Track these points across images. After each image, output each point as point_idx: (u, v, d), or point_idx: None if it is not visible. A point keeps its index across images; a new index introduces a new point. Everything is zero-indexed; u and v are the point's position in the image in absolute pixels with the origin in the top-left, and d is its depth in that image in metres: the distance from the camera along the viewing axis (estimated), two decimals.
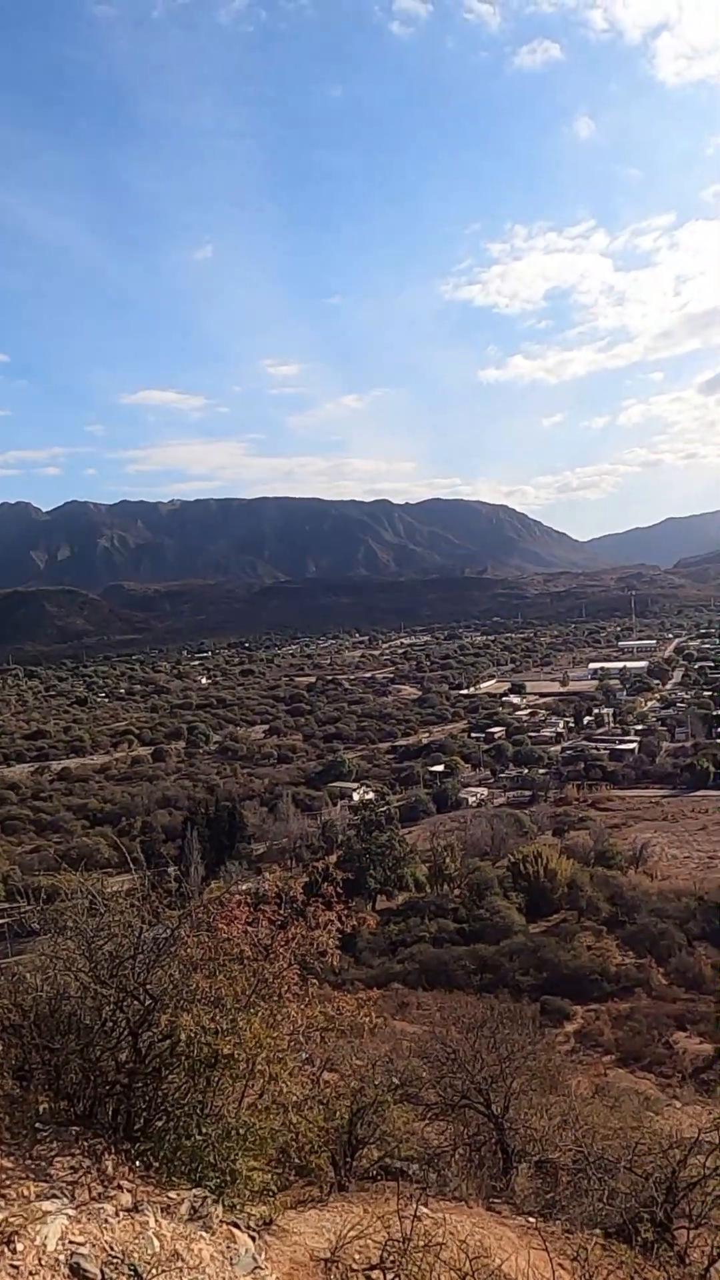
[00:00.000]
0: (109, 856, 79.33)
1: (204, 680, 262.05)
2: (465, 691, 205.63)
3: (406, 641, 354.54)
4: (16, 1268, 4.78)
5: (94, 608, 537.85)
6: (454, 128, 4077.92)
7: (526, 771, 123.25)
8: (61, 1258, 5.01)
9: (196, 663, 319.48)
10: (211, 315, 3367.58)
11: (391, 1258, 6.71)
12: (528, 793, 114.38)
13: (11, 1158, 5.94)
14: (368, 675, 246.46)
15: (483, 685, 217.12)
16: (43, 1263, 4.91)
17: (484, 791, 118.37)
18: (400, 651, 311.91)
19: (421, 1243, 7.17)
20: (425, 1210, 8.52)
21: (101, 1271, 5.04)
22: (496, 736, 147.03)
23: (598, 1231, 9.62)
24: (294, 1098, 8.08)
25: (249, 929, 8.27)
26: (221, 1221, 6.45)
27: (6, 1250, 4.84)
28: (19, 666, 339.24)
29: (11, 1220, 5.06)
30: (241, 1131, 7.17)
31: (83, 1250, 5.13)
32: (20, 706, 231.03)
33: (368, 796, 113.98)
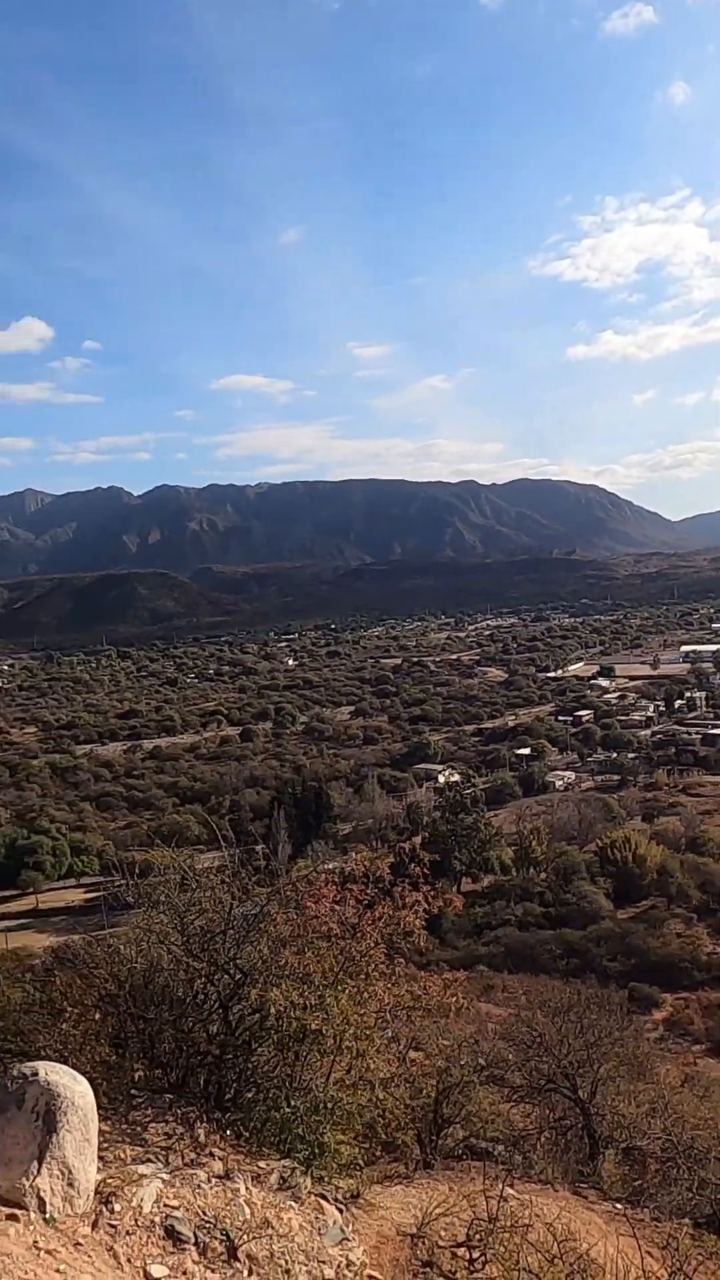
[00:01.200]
0: (198, 833, 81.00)
1: (291, 662, 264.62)
2: (553, 674, 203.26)
3: (493, 623, 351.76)
4: (115, 1226, 4.96)
5: (183, 590, 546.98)
6: (544, 99, 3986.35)
7: (615, 756, 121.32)
8: (157, 1219, 5.18)
9: (283, 644, 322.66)
10: (299, 298, 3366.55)
11: (478, 1236, 6.75)
12: (616, 777, 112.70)
13: (109, 1122, 6.15)
14: (454, 657, 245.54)
15: (571, 668, 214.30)
16: (139, 1223, 5.09)
17: (571, 775, 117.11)
18: (486, 634, 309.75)
19: (508, 1223, 7.19)
20: (511, 1191, 8.54)
21: (195, 1234, 5.19)
22: (585, 720, 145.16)
23: (687, 1221, 9.52)
24: (381, 1074, 8.17)
25: (336, 907, 8.37)
26: (310, 1193, 6.57)
27: (105, 1209, 5.02)
28: (112, 647, 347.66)
29: (110, 1181, 5.25)
30: (329, 1106, 7.28)
31: (177, 1213, 5.30)
32: (114, 686, 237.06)
33: (453, 779, 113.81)
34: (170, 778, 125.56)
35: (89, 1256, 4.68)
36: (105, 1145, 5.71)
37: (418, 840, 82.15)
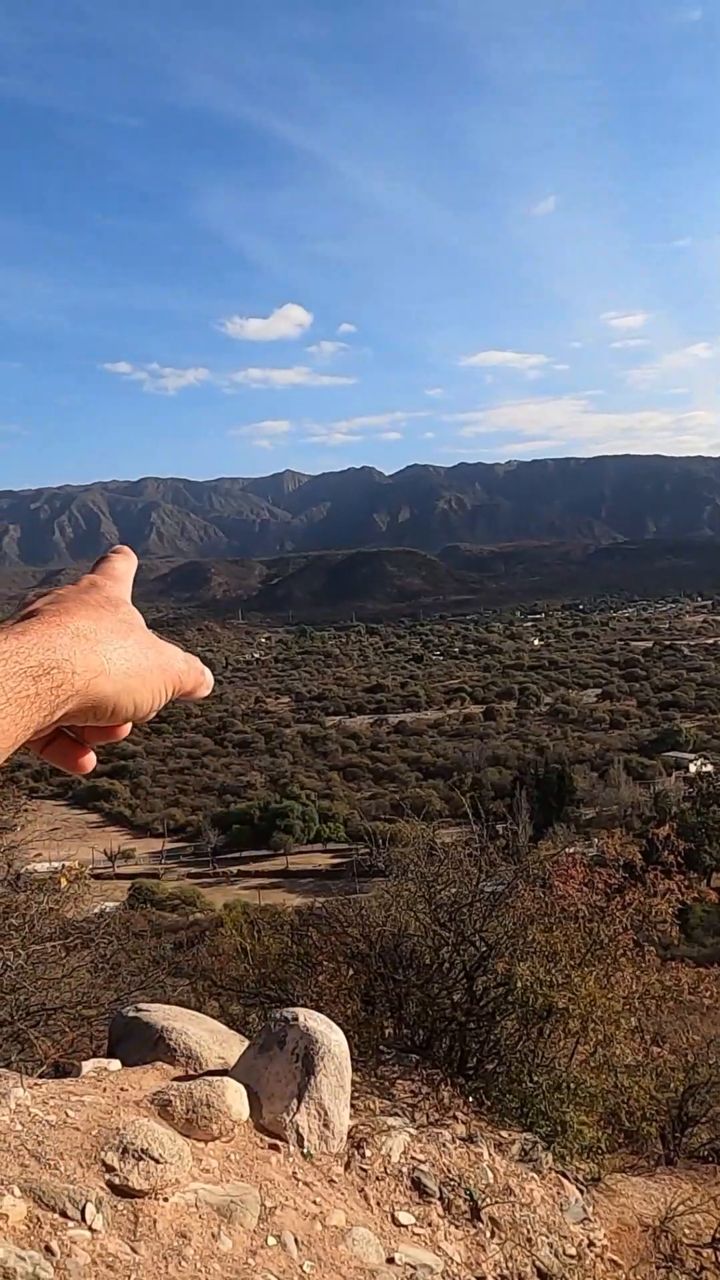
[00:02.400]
0: (440, 809, 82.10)
1: (536, 642, 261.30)
2: None
3: None
4: (365, 1170, 5.24)
5: (431, 568, 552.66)
6: None
7: None
8: (404, 1170, 5.42)
9: (529, 624, 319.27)
10: (551, 270, 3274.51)
11: None
12: None
13: (359, 1073, 6.47)
14: (710, 641, 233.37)
15: None
16: (388, 1171, 5.35)
17: None
18: None
19: None
20: None
21: (440, 1190, 5.39)
22: None
23: None
24: (627, 1060, 8.06)
25: (585, 888, 8.31)
26: (551, 1168, 6.62)
27: (356, 1154, 5.32)
28: (361, 623, 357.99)
29: (361, 1128, 5.55)
30: (572, 1086, 7.28)
31: (424, 1167, 5.52)
32: (361, 661, 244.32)
33: (706, 769, 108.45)
34: (414, 752, 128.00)
35: (342, 1194, 4.98)
36: (355, 1095, 6.02)
37: (664, 831, 79.16)
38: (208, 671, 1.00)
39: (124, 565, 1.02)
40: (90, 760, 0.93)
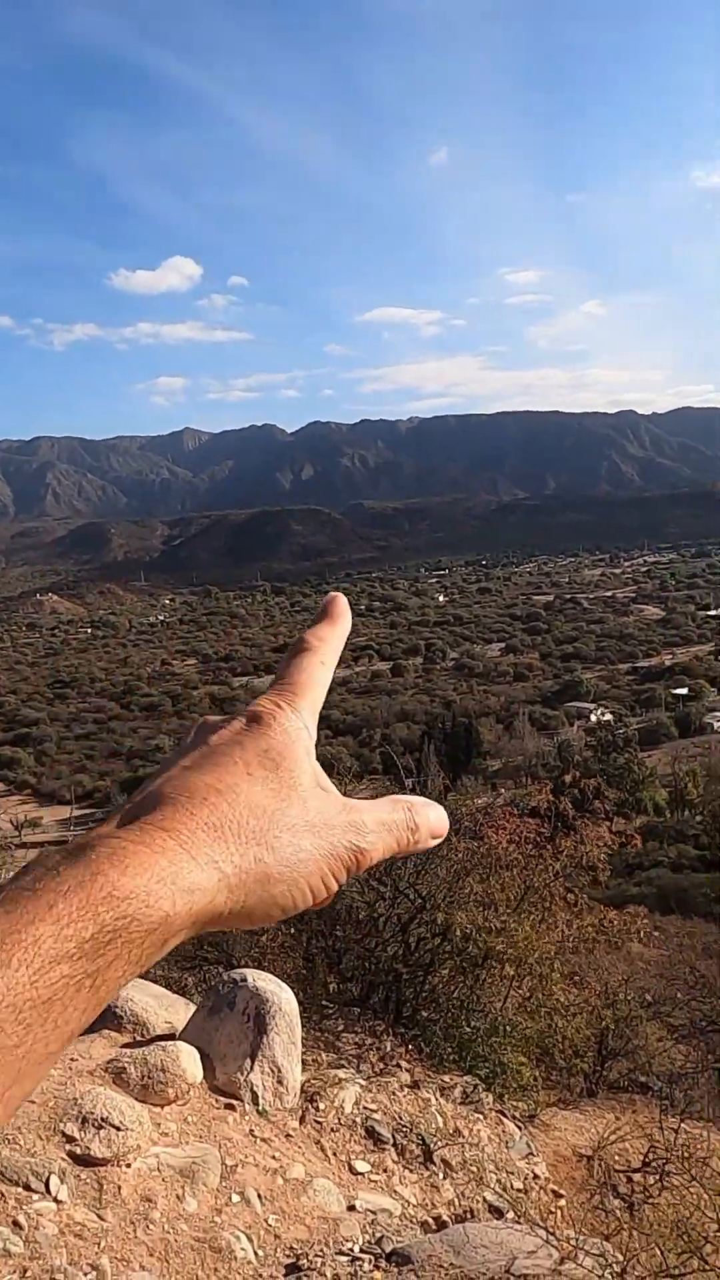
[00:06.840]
0: (350, 765, 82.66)
1: (441, 598, 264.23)
2: (714, 613, 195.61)
3: (650, 559, 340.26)
4: (320, 1123, 5.32)
5: (335, 526, 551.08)
6: None
7: None
8: (358, 1120, 5.52)
9: (434, 580, 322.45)
10: (447, 223, 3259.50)
11: (655, 1162, 6.86)
12: None
13: (306, 1029, 6.53)
14: (608, 594, 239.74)
15: None
16: (342, 1122, 5.43)
17: None
18: (643, 570, 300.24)
19: (683, 1154, 7.28)
20: (684, 1126, 8.61)
21: (393, 1136, 5.51)
22: None
23: None
24: (562, 1001, 8.33)
25: (516, 837, 8.50)
26: (491, 1109, 6.83)
27: (310, 1107, 5.39)
28: (266, 583, 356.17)
29: (313, 1082, 5.62)
30: (508, 1029, 7.49)
31: (375, 1116, 5.62)
32: (268, 621, 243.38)
33: (605, 718, 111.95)
34: (323, 710, 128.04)
35: (299, 1147, 5.05)
36: (304, 1050, 6.08)
37: (568, 779, 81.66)
38: (433, 814, 0.74)
39: (327, 650, 0.76)
40: None
